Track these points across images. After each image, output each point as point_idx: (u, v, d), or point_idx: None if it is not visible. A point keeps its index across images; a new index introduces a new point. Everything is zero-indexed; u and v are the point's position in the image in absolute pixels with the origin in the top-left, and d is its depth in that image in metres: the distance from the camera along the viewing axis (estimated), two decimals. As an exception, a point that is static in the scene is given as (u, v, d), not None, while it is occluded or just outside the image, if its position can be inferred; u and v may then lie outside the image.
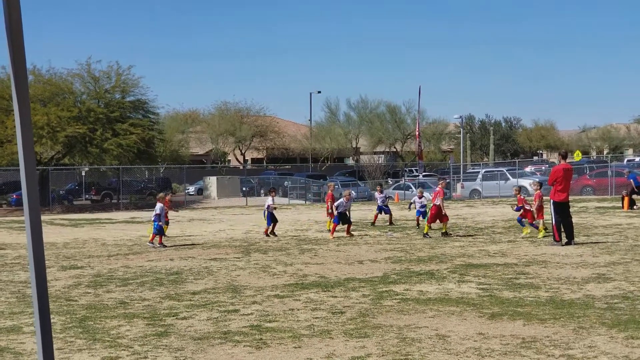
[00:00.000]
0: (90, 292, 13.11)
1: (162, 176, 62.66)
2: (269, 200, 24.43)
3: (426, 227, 22.57)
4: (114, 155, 47.09)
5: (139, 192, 55.27)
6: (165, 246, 21.25)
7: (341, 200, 24.15)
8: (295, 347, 8.63)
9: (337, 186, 38.33)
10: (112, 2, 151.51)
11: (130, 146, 46.90)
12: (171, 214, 26.23)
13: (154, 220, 21.55)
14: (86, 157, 49.30)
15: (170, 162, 66.41)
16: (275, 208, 24.65)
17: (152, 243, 21.40)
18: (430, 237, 22.05)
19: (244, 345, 8.77)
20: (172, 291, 13.04)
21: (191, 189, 62.52)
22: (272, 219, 24.04)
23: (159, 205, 21.92)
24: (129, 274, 15.46)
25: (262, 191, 58.76)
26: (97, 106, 48.15)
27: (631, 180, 34.82)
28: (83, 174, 55.52)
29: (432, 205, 23.14)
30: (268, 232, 24.07)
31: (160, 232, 21.56)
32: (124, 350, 8.67)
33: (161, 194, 23.15)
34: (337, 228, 24.09)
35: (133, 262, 17.61)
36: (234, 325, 9.96)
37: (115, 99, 49.70)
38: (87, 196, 54.50)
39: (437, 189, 23.68)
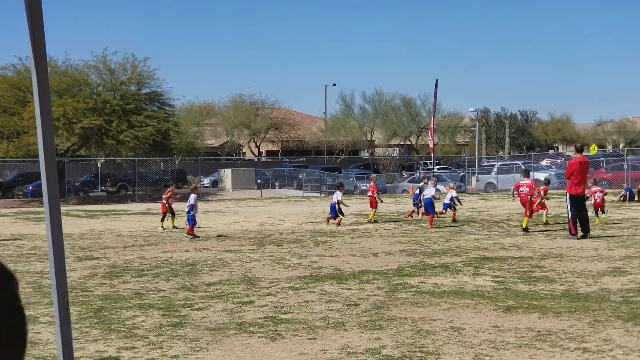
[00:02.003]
0: (106, 283, 13.18)
1: (177, 168, 62.80)
2: (338, 195, 25.68)
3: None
4: (130, 147, 47.23)
5: (154, 184, 55.39)
6: (198, 237, 21.52)
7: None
8: (309, 339, 8.65)
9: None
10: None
11: (146, 138, 47.02)
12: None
13: (188, 211, 21.94)
14: (102, 149, 49.48)
15: (186, 154, 66.52)
16: (343, 202, 25.83)
17: (191, 235, 21.66)
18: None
19: (259, 337, 8.80)
20: (188, 282, 13.09)
21: (206, 181, 62.61)
22: (338, 212, 25.19)
23: (192, 195, 22.34)
24: (145, 265, 15.53)
25: (277, 183, 58.81)
26: (112, 98, 48.29)
27: None
28: (99, 165, 55.73)
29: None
30: (340, 223, 25.00)
31: (193, 222, 21.94)
32: (140, 340, 8.71)
33: (194, 184, 23.84)
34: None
35: (148, 254, 17.68)
36: (248, 316, 9.99)
37: (131, 90, 49.82)
38: (102, 188, 54.69)
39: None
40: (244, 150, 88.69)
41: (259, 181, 55.58)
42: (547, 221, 23.42)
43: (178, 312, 10.35)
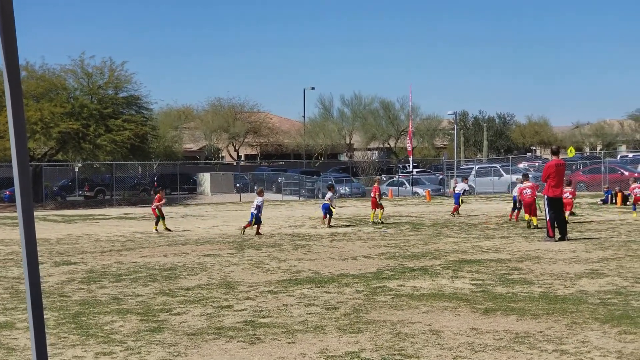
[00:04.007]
0: (83, 288, 13.09)
1: (156, 172, 62.56)
2: (329, 195, 26.77)
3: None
4: (107, 151, 47.04)
5: (132, 188, 55.18)
6: (261, 234, 22.93)
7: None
8: (288, 343, 8.63)
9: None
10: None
11: (124, 142, 46.85)
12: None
13: (256, 213, 23.14)
14: (79, 153, 49.23)
15: (164, 158, 66.33)
16: (333, 205, 26.54)
17: (260, 234, 22.98)
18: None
19: (238, 341, 8.77)
20: (166, 287, 13.03)
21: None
22: (328, 211, 26.14)
23: (259, 198, 23.65)
24: (123, 270, 15.45)
25: (255, 187, 58.68)
26: (90, 102, 48.08)
27: None
28: (76, 170, 55.44)
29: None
30: (330, 224, 25.98)
31: (258, 222, 23.27)
32: (118, 345, 8.66)
33: (261, 188, 26.15)
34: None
35: (126, 258, 17.59)
36: (227, 320, 9.96)
37: (109, 94, 49.65)
38: (80, 192, 54.40)
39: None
40: (222, 154, 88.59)
41: (238, 185, 55.53)
42: (537, 225, 23.55)
43: (156, 317, 10.30)
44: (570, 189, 25.50)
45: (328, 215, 26.20)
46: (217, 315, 10.32)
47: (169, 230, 25.10)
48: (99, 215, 36.17)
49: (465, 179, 34.69)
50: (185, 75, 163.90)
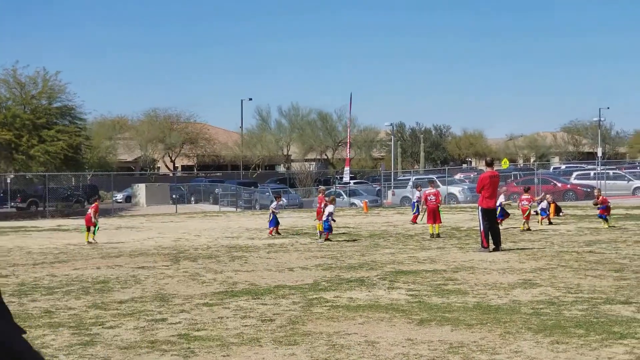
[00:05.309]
0: (14, 301, 12.79)
1: (90, 183, 61.69)
2: (273, 205, 27.08)
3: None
4: (41, 162, 46.27)
5: (65, 200, 54.27)
6: (330, 240, 23.46)
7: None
8: (223, 356, 8.55)
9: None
10: (38, 6, 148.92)
11: (57, 153, 46.15)
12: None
13: (325, 220, 23.68)
14: (12, 164, 48.30)
15: (98, 169, 65.45)
16: (274, 211, 26.71)
17: (324, 239, 23.56)
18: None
19: (172, 355, 8.65)
20: (99, 300, 12.81)
21: (119, 196, 61.72)
22: (275, 222, 26.47)
23: (331, 206, 23.98)
24: (55, 283, 15.15)
25: (192, 198, 58.29)
26: (23, 112, 47.27)
27: None
28: (8, 181, 54.35)
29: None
30: (272, 233, 26.34)
31: (330, 229, 23.78)
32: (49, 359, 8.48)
33: (333, 196, 26.18)
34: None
35: (59, 271, 17.26)
36: (161, 334, 9.82)
37: (42, 105, 48.89)
38: (12, 204, 53.29)
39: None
40: (158, 165, 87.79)
41: (174, 196, 55.05)
42: (439, 233, 24.42)
43: (89, 331, 10.11)
44: (527, 196, 26.87)
45: (275, 226, 26.46)
46: (151, 329, 10.17)
47: (93, 242, 24.42)
48: (32, 227, 35.47)
49: (419, 186, 34.87)
50: (120, 85, 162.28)
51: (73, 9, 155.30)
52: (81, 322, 10.72)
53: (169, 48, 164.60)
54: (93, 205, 25.19)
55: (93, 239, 24.57)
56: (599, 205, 26.51)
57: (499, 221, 27.32)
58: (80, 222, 36.34)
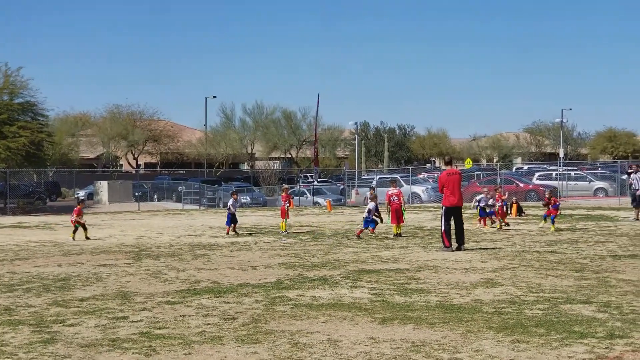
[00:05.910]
0: (-28, 299, 12.63)
1: (51, 180, 61.07)
2: (230, 202, 26.75)
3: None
4: (1, 158, 45.77)
5: (27, 196, 53.66)
6: (361, 238, 23.47)
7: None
8: (185, 354, 8.51)
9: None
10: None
11: (19, 149, 45.67)
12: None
13: (366, 217, 24.07)
14: (-28, 160, 47.68)
15: (60, 166, 64.82)
16: (231, 209, 26.44)
17: (360, 237, 23.66)
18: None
19: (133, 353, 8.60)
20: (60, 297, 12.69)
21: (81, 193, 61.02)
22: (232, 220, 26.25)
23: (372, 203, 24.30)
24: (15, 280, 14.98)
25: (155, 196, 57.94)
26: (-17, 108, 46.64)
27: None
28: (-32, 177, 53.63)
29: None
30: (229, 232, 26.13)
31: (374, 224, 24.07)
32: (8, 358, 8.39)
33: (374, 194, 25.83)
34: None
35: (19, 268, 17.07)
36: (122, 332, 9.75)
37: (3, 100, 48.31)
38: (-28, 200, 52.60)
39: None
40: (121, 162, 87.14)
41: (136, 194, 54.63)
42: (400, 233, 24.47)
43: (49, 328, 10.01)
44: (497, 194, 27.39)
45: (232, 224, 26.34)
46: (112, 327, 10.09)
47: (75, 239, 24.59)
48: (-9, 223, 35.01)
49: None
50: (82, 81, 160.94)
51: (38, 3, 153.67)
52: (42, 320, 10.61)
53: (133, 44, 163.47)
54: (76, 208, 25.31)
55: (73, 237, 24.61)
56: (550, 205, 25.55)
57: (479, 220, 27.73)
58: (41, 219, 35.94)
